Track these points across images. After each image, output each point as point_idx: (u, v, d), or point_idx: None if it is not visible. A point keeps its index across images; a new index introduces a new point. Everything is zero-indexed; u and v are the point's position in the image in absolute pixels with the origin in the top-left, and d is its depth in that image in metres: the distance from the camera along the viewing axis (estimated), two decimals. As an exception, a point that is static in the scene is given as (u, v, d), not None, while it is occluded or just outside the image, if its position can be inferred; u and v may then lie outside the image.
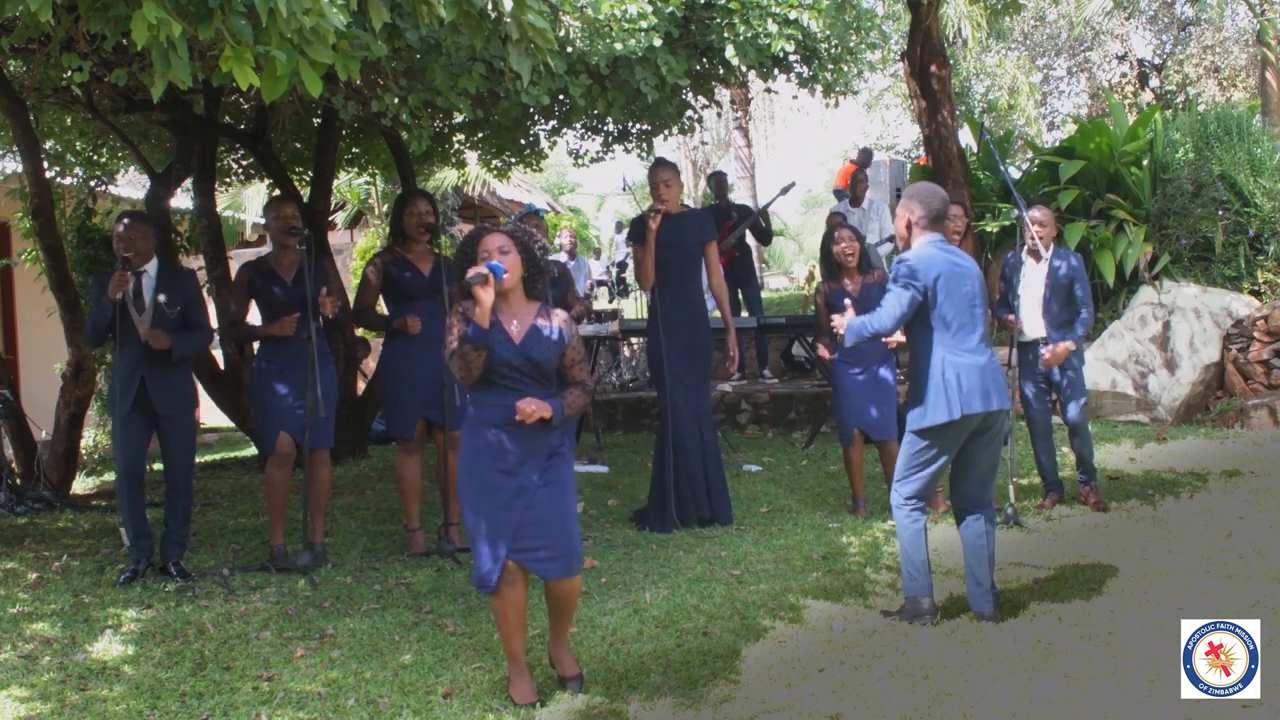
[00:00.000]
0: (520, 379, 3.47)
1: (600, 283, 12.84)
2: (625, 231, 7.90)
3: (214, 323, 7.99)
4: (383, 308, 5.73)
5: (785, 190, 9.98)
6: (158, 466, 5.50)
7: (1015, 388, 6.18)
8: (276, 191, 8.12)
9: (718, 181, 10.59)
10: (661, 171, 5.88)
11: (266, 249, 5.57)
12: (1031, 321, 5.92)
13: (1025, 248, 5.94)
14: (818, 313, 6.23)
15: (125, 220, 5.04)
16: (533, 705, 3.53)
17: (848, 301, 5.32)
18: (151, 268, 5.05)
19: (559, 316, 3.58)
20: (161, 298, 5.01)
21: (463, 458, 3.56)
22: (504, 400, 3.46)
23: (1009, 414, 4.38)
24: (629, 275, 12.48)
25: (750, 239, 10.69)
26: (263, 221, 6.82)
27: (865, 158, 13.08)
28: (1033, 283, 5.92)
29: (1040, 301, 5.86)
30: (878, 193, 11.17)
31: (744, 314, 9.86)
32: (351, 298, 6.55)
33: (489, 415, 3.50)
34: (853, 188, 10.22)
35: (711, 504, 5.92)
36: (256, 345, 5.74)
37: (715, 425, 8.53)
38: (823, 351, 6.08)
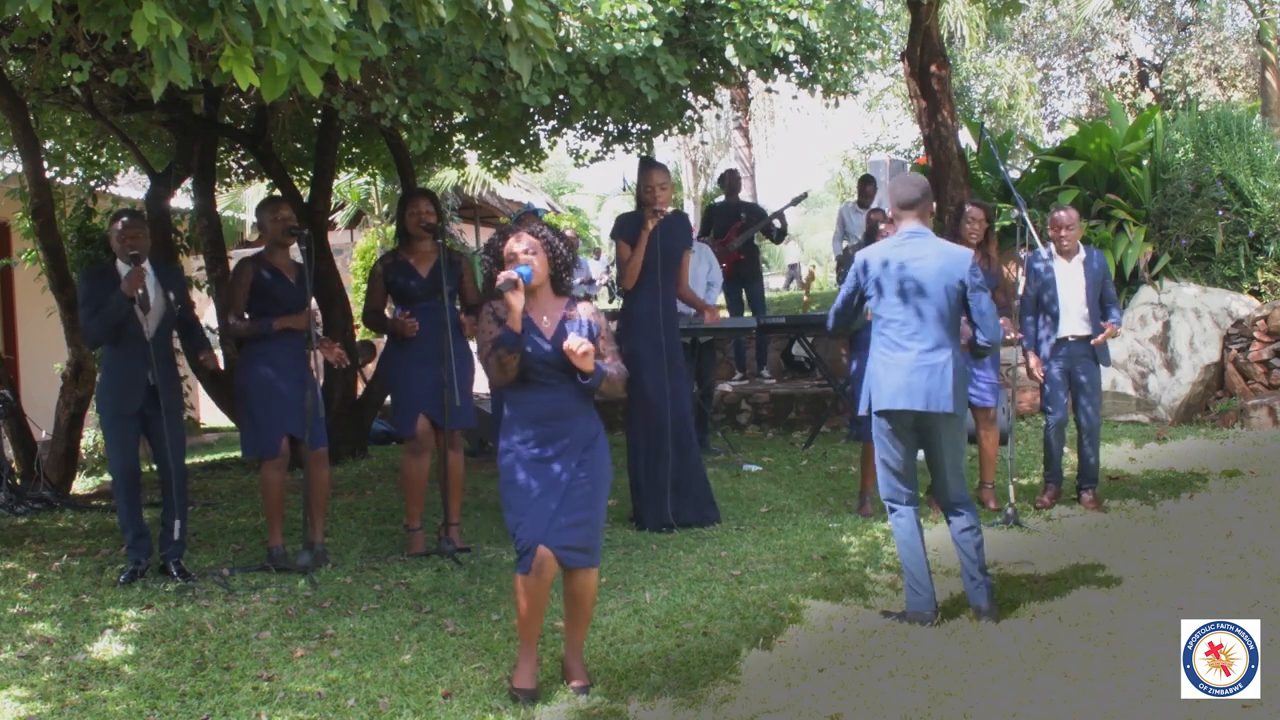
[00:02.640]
0: (554, 374, 3.53)
1: (590, 282, 12.82)
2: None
3: (214, 323, 8.05)
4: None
5: (796, 201, 10.04)
6: (149, 467, 5.48)
7: (1013, 389, 6.19)
8: (276, 191, 8.12)
9: (730, 180, 10.56)
10: (656, 174, 5.88)
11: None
12: (1070, 319, 5.97)
13: (1051, 247, 6.01)
14: None
15: (125, 219, 5.03)
16: (532, 696, 3.55)
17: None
18: (148, 266, 5.06)
19: (587, 310, 3.64)
20: (171, 295, 5.05)
21: (503, 455, 3.62)
22: (539, 397, 3.54)
23: (947, 417, 4.20)
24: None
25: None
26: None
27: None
28: (1068, 282, 5.98)
29: (1082, 299, 5.96)
30: (878, 193, 11.19)
31: (746, 314, 9.84)
32: (353, 299, 6.55)
33: (525, 412, 3.57)
34: (861, 191, 10.27)
35: (686, 505, 5.89)
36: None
37: (712, 426, 8.57)
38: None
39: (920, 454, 4.44)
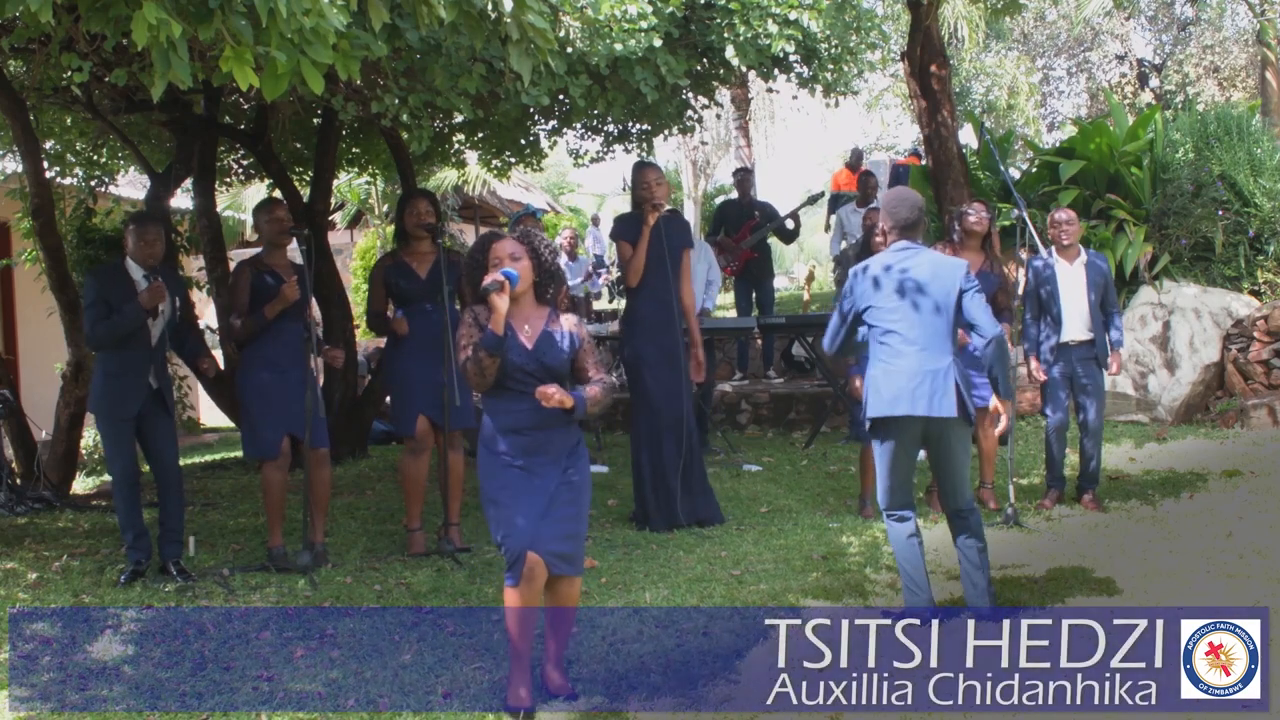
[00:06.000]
0: (533, 383, 3.47)
1: (591, 278, 12.78)
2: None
3: (214, 323, 8.05)
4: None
5: (813, 200, 10.03)
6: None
7: (1015, 388, 6.20)
8: (276, 192, 8.12)
9: (743, 178, 10.56)
10: (651, 171, 5.91)
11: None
12: (1073, 323, 5.97)
13: (1053, 249, 6.00)
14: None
15: (144, 226, 5.03)
16: (530, 712, 3.51)
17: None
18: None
19: (569, 321, 3.61)
20: (178, 300, 5.10)
21: (482, 462, 3.60)
22: (518, 405, 3.50)
23: (954, 422, 4.18)
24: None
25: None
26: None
27: (857, 159, 13.16)
28: (1070, 285, 5.98)
29: (1084, 303, 5.96)
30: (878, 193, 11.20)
31: (755, 313, 9.81)
32: (353, 299, 6.55)
33: (503, 421, 3.54)
34: (862, 188, 10.26)
35: (693, 506, 5.88)
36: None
37: (712, 426, 8.58)
38: None
39: (920, 454, 4.44)
